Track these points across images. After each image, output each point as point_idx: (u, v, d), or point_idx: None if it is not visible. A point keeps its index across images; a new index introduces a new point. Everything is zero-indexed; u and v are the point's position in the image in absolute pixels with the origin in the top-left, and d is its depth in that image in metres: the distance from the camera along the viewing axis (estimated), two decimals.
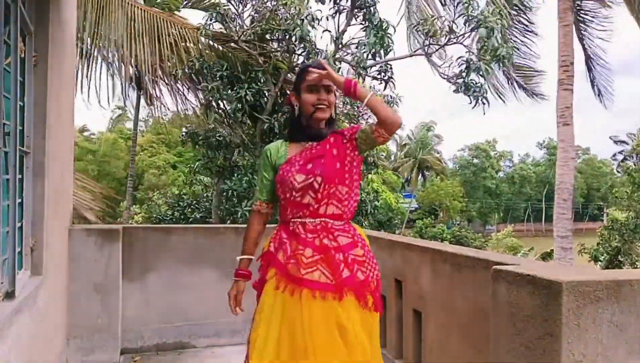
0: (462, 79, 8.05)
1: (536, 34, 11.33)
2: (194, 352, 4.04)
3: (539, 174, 60.84)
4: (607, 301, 1.59)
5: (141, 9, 7.99)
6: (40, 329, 2.62)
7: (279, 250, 2.04)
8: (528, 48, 11.33)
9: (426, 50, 8.47)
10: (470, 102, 8.11)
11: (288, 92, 9.12)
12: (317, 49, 7.68)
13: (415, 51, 8.79)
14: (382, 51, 7.87)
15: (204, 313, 4.14)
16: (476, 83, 7.99)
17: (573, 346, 1.55)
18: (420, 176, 47.30)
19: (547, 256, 23.31)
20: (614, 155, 21.01)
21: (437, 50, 8.44)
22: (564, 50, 9.41)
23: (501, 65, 8.23)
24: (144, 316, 4.00)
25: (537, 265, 2.11)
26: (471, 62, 7.88)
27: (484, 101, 8.13)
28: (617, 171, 20.48)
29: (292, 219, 2.06)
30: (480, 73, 7.88)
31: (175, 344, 4.06)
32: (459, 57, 8.19)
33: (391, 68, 8.51)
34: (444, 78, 8.44)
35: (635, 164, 18.82)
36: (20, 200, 2.46)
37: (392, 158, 47.21)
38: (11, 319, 2.02)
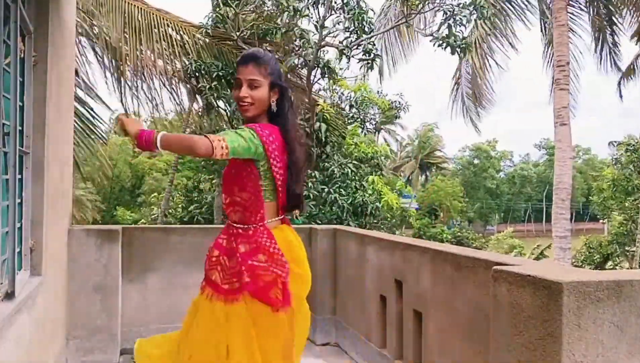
0: (442, 34, 8.02)
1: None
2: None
3: (539, 175, 60.80)
4: (608, 301, 1.59)
5: (138, 7, 7.98)
6: (39, 329, 2.62)
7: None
8: None
9: (407, 18, 8.49)
10: (453, 54, 8.05)
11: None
12: (311, 44, 7.71)
13: (398, 21, 8.81)
14: (363, 35, 7.95)
15: None
16: (456, 33, 7.94)
17: (574, 346, 1.55)
18: (421, 176, 47.27)
19: (540, 254, 23.39)
20: (616, 158, 20.99)
21: (414, 16, 8.54)
22: (559, 50, 9.41)
23: (481, 15, 8.17)
24: (144, 317, 3.99)
25: (538, 266, 2.11)
26: (449, 12, 7.85)
27: (465, 50, 8.07)
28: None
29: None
30: (461, 24, 7.87)
31: None
32: (438, 9, 8.16)
33: (374, 46, 8.59)
34: (426, 36, 8.43)
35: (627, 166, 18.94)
36: (19, 200, 2.46)
37: (397, 156, 47.24)
38: (11, 319, 2.01)
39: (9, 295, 2.16)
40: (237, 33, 7.92)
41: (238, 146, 1.85)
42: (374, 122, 9.86)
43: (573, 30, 11.14)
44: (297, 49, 7.84)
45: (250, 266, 1.97)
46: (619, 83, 12.72)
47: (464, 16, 7.81)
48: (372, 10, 7.91)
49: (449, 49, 8.00)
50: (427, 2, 8.08)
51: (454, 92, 13.11)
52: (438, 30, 8.11)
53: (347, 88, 9.82)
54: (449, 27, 7.83)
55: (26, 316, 2.30)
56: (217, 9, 7.94)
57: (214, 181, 11.19)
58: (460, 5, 7.75)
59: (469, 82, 12.75)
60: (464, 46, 7.91)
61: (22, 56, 2.47)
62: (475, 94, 12.78)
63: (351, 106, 9.27)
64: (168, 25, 8.14)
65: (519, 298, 1.72)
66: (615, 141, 20.74)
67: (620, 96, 12.92)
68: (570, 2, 10.11)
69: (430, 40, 8.23)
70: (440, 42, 7.93)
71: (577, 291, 1.56)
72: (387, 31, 9.68)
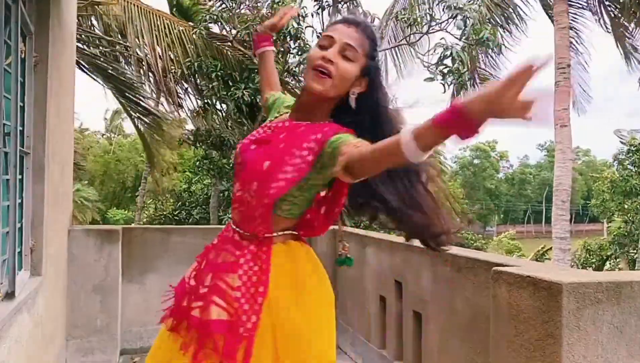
0: (439, 67, 7.81)
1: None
2: None
3: (536, 176, 60.82)
4: (608, 302, 1.59)
5: (137, 6, 7.97)
6: (39, 330, 2.62)
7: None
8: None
9: (408, 40, 8.33)
10: (444, 91, 7.85)
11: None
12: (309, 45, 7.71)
13: (399, 42, 8.71)
14: None
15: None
16: (454, 70, 7.61)
17: (573, 348, 1.55)
18: None
19: (540, 256, 23.42)
20: (617, 157, 20.95)
21: (419, 39, 8.29)
22: (560, 52, 9.45)
23: (487, 49, 8.03)
24: (143, 317, 3.99)
25: (538, 267, 2.11)
26: (448, 49, 7.62)
27: (464, 87, 7.85)
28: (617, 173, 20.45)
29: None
30: (460, 59, 7.54)
31: None
32: (437, 43, 7.94)
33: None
34: (425, 67, 8.17)
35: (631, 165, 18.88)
36: (20, 201, 2.46)
37: None
38: (11, 319, 2.01)
39: (9, 295, 2.16)
40: (233, 34, 7.91)
41: None
42: None
43: (576, 31, 11.13)
44: (292, 49, 7.81)
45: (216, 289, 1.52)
46: None
47: (463, 55, 7.57)
48: (379, 18, 7.80)
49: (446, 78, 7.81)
50: (429, 28, 7.85)
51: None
52: (436, 64, 7.83)
53: None
54: (453, 59, 7.53)
55: (26, 316, 2.30)
56: (211, 9, 7.92)
57: (205, 182, 11.20)
58: (462, 38, 7.52)
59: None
60: (461, 83, 7.72)
61: (23, 56, 2.47)
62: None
63: None
64: (167, 26, 8.13)
65: (519, 299, 1.72)
66: (619, 131, 20.58)
67: None
68: (570, 4, 10.14)
69: (425, 80, 7.97)
70: (436, 79, 7.71)
71: (576, 293, 1.56)
72: (389, 49, 9.50)
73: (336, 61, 1.37)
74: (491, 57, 10.91)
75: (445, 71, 7.63)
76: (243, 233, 1.46)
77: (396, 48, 9.91)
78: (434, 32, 8.05)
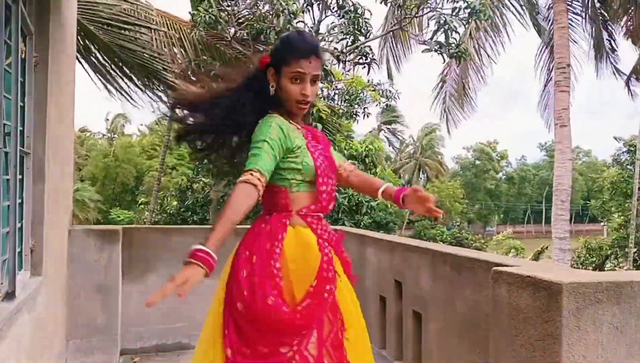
0: (436, 40, 7.88)
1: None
2: (193, 353, 4.03)
3: (538, 176, 60.79)
4: (608, 302, 1.59)
5: (135, 5, 7.94)
6: (39, 330, 2.62)
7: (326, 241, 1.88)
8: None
9: (401, 23, 8.38)
10: (444, 61, 7.92)
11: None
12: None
13: (392, 27, 8.72)
14: (361, 37, 7.85)
15: (203, 314, 4.12)
16: (450, 41, 7.71)
17: (573, 348, 1.55)
18: (421, 177, 47.25)
19: (539, 254, 23.48)
20: (617, 158, 20.98)
21: (410, 20, 8.38)
22: (559, 52, 9.46)
23: (477, 20, 8.08)
24: (144, 317, 4.00)
25: (538, 267, 2.11)
26: (443, 21, 7.64)
27: (461, 57, 7.93)
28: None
29: (306, 212, 1.82)
30: (454, 31, 7.64)
31: (175, 345, 4.06)
32: (429, 18, 8.03)
33: (371, 50, 8.55)
34: (420, 43, 8.33)
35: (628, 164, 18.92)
36: (20, 201, 2.46)
37: (397, 157, 47.34)
38: (11, 319, 2.01)
39: (9, 295, 2.16)
40: (231, 34, 7.90)
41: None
42: (365, 111, 9.99)
43: (572, 38, 11.22)
44: None
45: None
46: (627, 82, 12.73)
47: (458, 24, 7.65)
48: (369, 11, 7.87)
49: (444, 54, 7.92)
50: (421, 7, 7.97)
51: (437, 89, 13.09)
52: (431, 38, 7.96)
53: (340, 79, 9.81)
54: (445, 33, 7.64)
55: (26, 317, 2.30)
56: (210, 9, 7.90)
57: (206, 181, 11.22)
58: (455, 12, 7.60)
59: (454, 82, 12.73)
60: (459, 53, 7.78)
61: (23, 56, 2.47)
62: (459, 96, 12.77)
63: (343, 101, 9.34)
64: (166, 25, 8.09)
65: (519, 299, 1.72)
66: (619, 137, 20.66)
67: (631, 95, 12.94)
68: (569, 6, 10.20)
69: (423, 51, 8.09)
70: (434, 50, 7.81)
71: (576, 293, 1.56)
72: (383, 36, 9.58)
73: (310, 91, 1.77)
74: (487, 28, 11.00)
75: (443, 42, 7.69)
76: (324, 215, 1.90)
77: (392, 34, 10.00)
78: (424, 14, 8.12)
